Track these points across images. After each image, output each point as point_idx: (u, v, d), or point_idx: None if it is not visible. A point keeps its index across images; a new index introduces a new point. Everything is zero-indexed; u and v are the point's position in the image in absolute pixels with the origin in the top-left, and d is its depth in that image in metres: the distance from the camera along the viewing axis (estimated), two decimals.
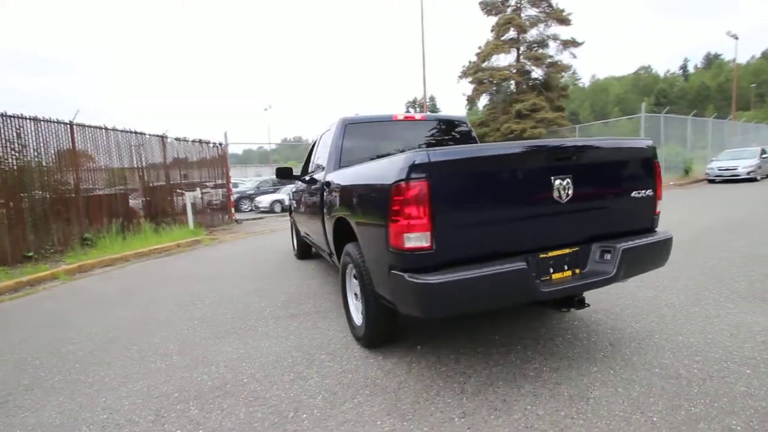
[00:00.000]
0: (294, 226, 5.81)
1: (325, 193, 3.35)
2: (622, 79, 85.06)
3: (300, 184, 4.90)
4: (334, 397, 2.12)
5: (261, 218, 14.38)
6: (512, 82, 20.71)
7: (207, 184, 11.97)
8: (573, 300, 2.11)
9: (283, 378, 2.37)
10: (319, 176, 3.70)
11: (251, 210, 18.53)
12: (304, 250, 5.69)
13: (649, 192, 2.31)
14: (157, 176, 10.08)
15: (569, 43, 19.90)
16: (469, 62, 22.28)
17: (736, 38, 28.25)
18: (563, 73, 20.43)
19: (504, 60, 20.66)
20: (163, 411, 2.12)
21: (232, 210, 13.15)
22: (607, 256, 2.11)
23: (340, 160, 3.43)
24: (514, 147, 2.04)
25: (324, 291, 4.11)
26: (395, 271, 1.91)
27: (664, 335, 2.58)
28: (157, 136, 10.04)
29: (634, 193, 2.27)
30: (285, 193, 18.88)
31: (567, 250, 2.11)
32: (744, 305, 2.98)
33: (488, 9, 21.01)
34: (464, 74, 22.26)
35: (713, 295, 3.21)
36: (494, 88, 20.76)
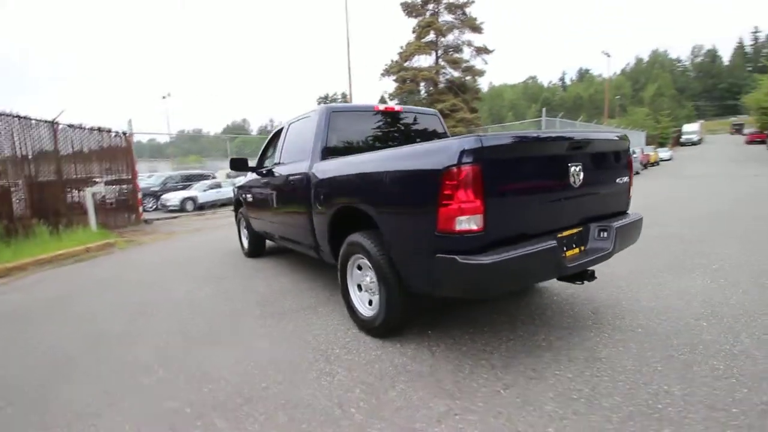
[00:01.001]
0: (244, 222, 5.40)
1: (312, 185, 3.20)
2: (515, 87, 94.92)
3: (259, 177, 4.58)
4: (373, 388, 2.08)
5: (174, 218, 13.00)
6: (432, 82, 21.82)
7: (108, 178, 10.41)
8: (585, 273, 2.37)
9: (306, 377, 2.23)
10: (298, 167, 3.51)
11: (157, 209, 16.60)
12: (258, 248, 5.33)
13: (626, 179, 2.69)
14: (48, 169, 8.46)
15: (482, 50, 21.69)
16: (392, 61, 22.92)
17: (609, 56, 33.48)
18: (477, 77, 22.21)
19: (425, 61, 21.74)
20: (181, 427, 1.86)
21: (141, 209, 11.64)
22: (604, 234, 2.41)
23: (325, 150, 3.30)
24: (547, 134, 2.21)
25: (300, 288, 3.91)
26: (442, 255, 1.94)
27: (628, 302, 3.02)
28: (46, 121, 8.42)
29: (618, 180, 2.61)
30: (198, 190, 17.34)
31: (574, 230, 2.36)
32: (676, 274, 3.61)
33: (409, 10, 21.81)
34: (387, 72, 22.79)
35: (650, 269, 3.82)
36: (418, 88, 21.69)
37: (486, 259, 1.83)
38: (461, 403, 1.91)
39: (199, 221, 11.56)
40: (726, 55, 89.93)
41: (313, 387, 2.13)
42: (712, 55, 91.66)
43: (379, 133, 3.69)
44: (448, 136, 4.11)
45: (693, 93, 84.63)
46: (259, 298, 3.70)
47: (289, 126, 4.10)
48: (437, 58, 21.59)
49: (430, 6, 21.00)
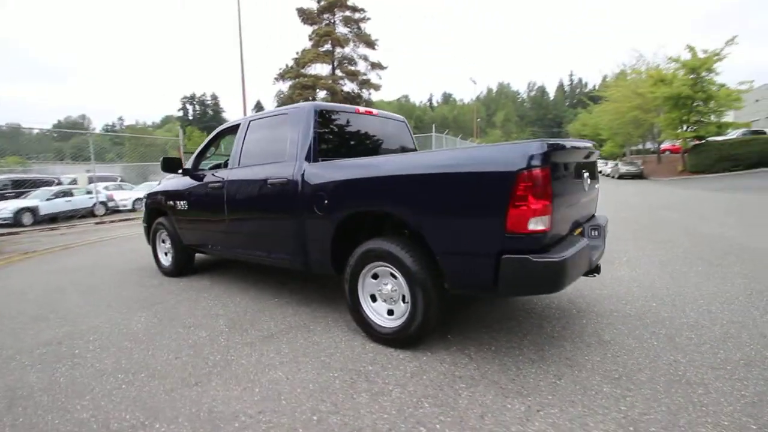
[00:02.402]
0: (166, 235, 4.54)
1: (304, 189, 2.91)
2: (391, 103, 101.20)
3: (199, 182, 3.94)
4: (440, 400, 1.98)
5: (15, 233, 10.16)
6: (331, 91, 21.79)
7: None
8: (597, 267, 2.68)
9: (358, 400, 2.01)
10: (276, 170, 3.13)
11: None
12: (185, 265, 4.54)
13: (598, 185, 3.15)
14: None
15: (376, 66, 22.59)
16: (287, 66, 22.05)
17: (475, 83, 38.36)
18: (374, 91, 23.03)
19: (321, 69, 21.58)
20: None
21: None
22: (596, 233, 2.77)
23: (315, 151, 3.04)
24: (577, 143, 2.44)
25: (268, 306, 3.47)
26: (509, 255, 1.98)
27: (589, 290, 3.51)
28: None
29: (596, 186, 3.04)
30: (40, 198, 13.95)
31: (579, 230, 2.66)
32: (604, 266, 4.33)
33: (305, 17, 21.36)
34: (281, 77, 21.83)
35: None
36: (324, 96, 21.31)
37: (558, 257, 1.94)
38: (534, 398, 1.96)
39: (58, 236, 9.26)
40: (551, 91, 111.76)
41: (374, 409, 1.93)
42: (542, 91, 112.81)
43: (360, 136, 3.56)
44: (414, 142, 4.19)
45: (529, 120, 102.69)
46: (226, 321, 3.16)
47: (249, 124, 3.64)
48: (333, 68, 21.74)
49: (326, 16, 21.09)
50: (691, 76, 19.61)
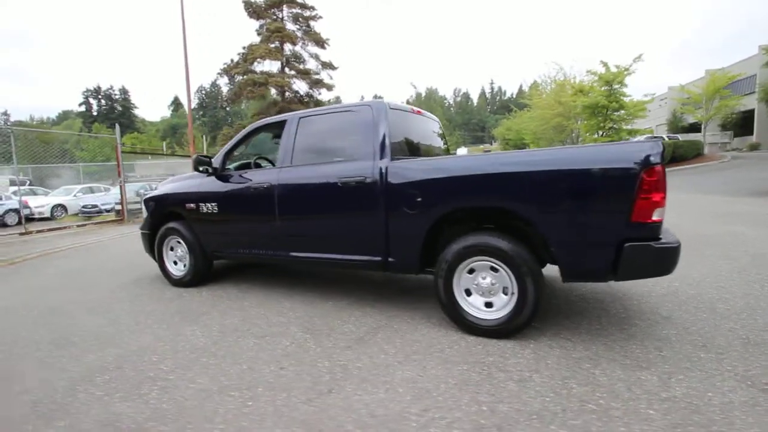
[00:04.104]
0: (180, 242, 4.14)
1: (389, 186, 2.89)
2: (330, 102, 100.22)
3: (234, 183, 3.69)
4: (582, 379, 2.15)
5: None
6: (282, 89, 20.93)
7: None
8: None
9: (509, 388, 2.10)
10: (349, 168, 3.07)
11: None
12: (204, 273, 4.18)
13: None
14: None
15: (327, 65, 22.17)
16: (232, 61, 20.66)
17: (415, 87, 39.33)
18: (327, 90, 22.55)
19: (270, 66, 20.62)
20: None
21: None
22: None
23: (388, 149, 3.04)
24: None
25: (333, 308, 3.35)
26: (632, 243, 2.22)
27: None
28: None
29: None
30: None
31: None
32: None
33: (252, 11, 20.21)
34: (226, 72, 20.42)
35: None
36: (275, 94, 20.31)
37: (674, 243, 2.22)
38: (656, 369, 2.21)
39: (15, 246, 7.79)
40: (475, 98, 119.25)
41: (531, 394, 2.03)
42: (467, 97, 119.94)
43: (413, 134, 3.60)
44: (446, 141, 4.33)
45: (456, 124, 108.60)
46: (298, 327, 3.02)
47: (299, 121, 3.49)
48: (283, 66, 20.95)
49: (274, 11, 20.21)
50: (605, 87, 22.41)
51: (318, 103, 21.72)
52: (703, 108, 24.09)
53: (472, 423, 1.83)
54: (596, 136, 23.76)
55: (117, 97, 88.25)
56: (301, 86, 21.38)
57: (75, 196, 14.93)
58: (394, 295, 3.65)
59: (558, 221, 2.41)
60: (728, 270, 3.97)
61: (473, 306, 2.74)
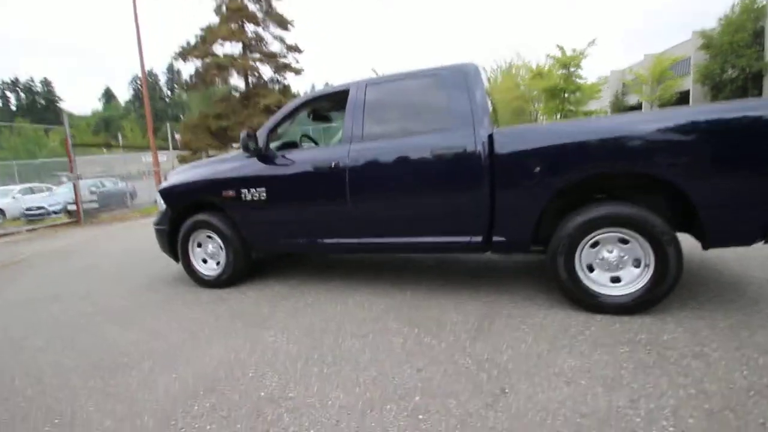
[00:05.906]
0: (212, 236, 3.56)
1: (500, 157, 2.57)
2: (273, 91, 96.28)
3: (288, 162, 3.19)
4: (737, 354, 2.00)
5: None
6: (245, 73, 19.41)
7: None
8: None
9: (690, 365, 1.90)
10: (446, 139, 2.70)
11: None
12: (243, 270, 3.63)
13: None
14: None
15: (293, 48, 20.81)
16: (188, 43, 18.76)
17: (376, 73, 39.00)
18: (296, 74, 21.17)
19: (233, 49, 18.93)
20: None
21: None
22: None
23: (488, 115, 2.72)
24: None
25: (424, 298, 3.00)
26: None
27: None
28: None
29: None
30: None
31: None
32: None
33: None
34: (182, 54, 18.50)
35: None
36: (227, 76, 18.69)
37: None
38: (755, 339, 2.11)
39: None
40: None
41: (707, 372, 1.84)
42: None
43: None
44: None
45: None
46: (398, 323, 2.65)
47: (366, 89, 3.04)
48: (244, 48, 19.37)
49: None
50: (562, 71, 23.30)
51: (286, 89, 20.52)
52: (649, 87, 25.79)
53: (697, 409, 1.61)
54: (555, 118, 24.75)
55: (39, 90, 79.08)
56: (265, 71, 20.05)
57: (14, 197, 13.00)
58: (467, 279, 3.36)
59: (711, 184, 2.23)
60: None
61: (597, 283, 2.53)
